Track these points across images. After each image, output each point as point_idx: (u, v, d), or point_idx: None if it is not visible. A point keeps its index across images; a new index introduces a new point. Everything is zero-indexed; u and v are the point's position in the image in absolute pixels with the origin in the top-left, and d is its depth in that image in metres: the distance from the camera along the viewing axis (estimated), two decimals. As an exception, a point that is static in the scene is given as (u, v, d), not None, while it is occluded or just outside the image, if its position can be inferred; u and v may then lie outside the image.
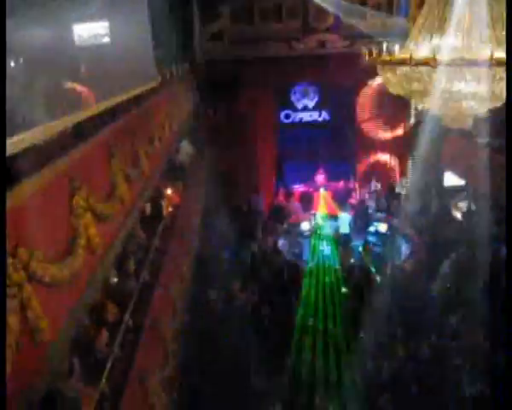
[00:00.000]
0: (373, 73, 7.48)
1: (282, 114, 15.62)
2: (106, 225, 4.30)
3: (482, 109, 6.16)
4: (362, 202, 14.82)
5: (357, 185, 15.80)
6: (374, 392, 7.75)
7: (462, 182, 14.38)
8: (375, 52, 6.44)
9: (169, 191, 10.65)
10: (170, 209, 10.44)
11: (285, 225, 13.59)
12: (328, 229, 13.22)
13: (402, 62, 6.04)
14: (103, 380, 4.18)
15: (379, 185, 15.39)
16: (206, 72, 13.20)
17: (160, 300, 6.64)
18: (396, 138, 15.60)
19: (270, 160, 15.35)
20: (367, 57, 6.56)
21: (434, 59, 5.53)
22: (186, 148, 11.46)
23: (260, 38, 13.46)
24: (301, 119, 15.77)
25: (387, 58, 6.35)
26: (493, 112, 6.37)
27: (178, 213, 10.09)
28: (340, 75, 13.75)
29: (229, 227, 11.88)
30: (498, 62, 5.28)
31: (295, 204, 14.95)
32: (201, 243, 10.59)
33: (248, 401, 7.47)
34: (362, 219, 13.70)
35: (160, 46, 8.94)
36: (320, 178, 15.62)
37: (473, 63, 5.48)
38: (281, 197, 15.43)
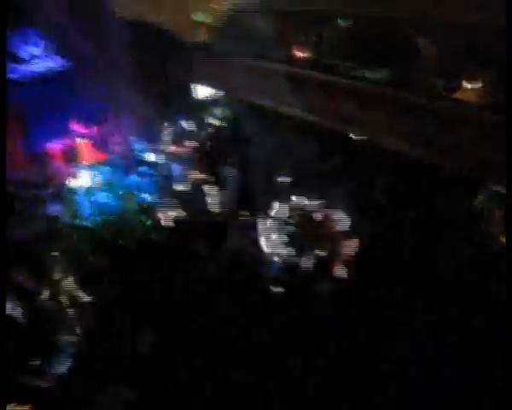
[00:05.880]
0: None
1: (8, 70, 13.52)
2: None
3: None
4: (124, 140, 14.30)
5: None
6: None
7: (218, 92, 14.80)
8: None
9: None
10: None
11: (50, 190, 12.37)
12: (97, 178, 12.53)
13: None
14: None
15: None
16: None
17: None
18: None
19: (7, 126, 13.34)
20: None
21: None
22: None
23: None
24: (33, 70, 13.98)
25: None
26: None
27: None
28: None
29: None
30: None
31: (55, 164, 13.64)
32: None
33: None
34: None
35: None
36: (75, 127, 14.33)
37: None
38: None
